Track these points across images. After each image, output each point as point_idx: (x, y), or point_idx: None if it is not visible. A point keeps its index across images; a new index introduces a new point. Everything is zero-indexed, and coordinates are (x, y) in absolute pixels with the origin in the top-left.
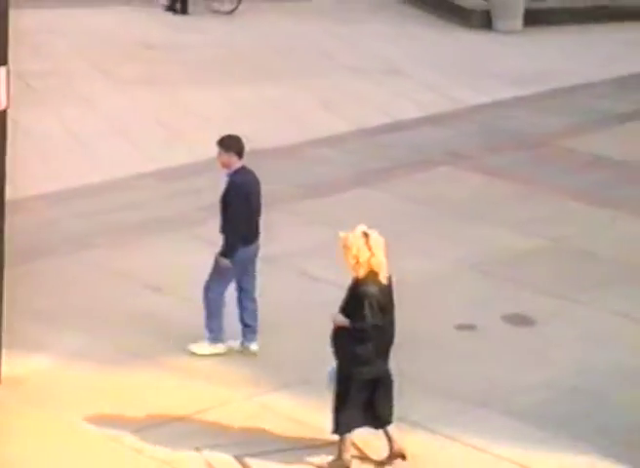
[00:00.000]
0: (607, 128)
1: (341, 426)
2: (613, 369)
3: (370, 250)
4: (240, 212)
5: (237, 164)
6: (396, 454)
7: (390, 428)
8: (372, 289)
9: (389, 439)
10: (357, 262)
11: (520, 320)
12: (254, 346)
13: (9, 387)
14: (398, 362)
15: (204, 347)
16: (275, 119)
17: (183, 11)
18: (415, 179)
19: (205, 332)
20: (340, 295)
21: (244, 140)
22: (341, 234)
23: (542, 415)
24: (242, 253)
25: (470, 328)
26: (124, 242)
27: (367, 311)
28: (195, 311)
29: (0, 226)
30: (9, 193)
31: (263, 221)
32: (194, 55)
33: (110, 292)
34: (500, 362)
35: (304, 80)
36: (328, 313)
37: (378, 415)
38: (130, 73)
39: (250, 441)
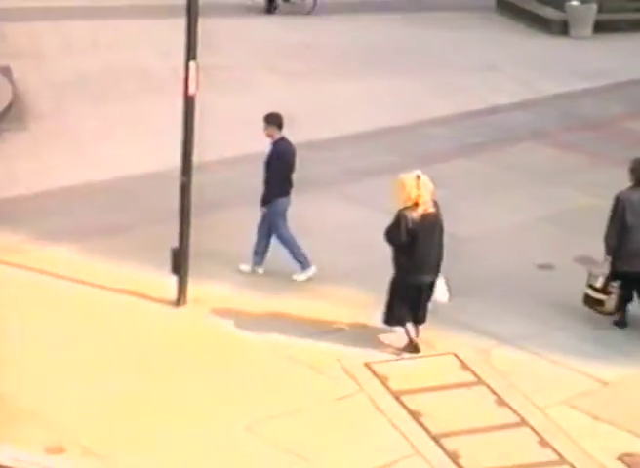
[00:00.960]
0: None
1: (393, 319)
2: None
3: (418, 189)
4: (278, 171)
5: (277, 135)
6: (414, 346)
7: (421, 326)
8: (408, 214)
9: (416, 334)
10: (408, 197)
11: (587, 260)
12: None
13: (194, 306)
14: (492, 290)
15: (301, 275)
16: (397, 104)
17: (269, 11)
18: (505, 152)
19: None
20: None
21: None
22: (401, 175)
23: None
24: (280, 203)
25: (549, 267)
26: None
27: (400, 229)
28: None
29: (187, 183)
30: (195, 157)
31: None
32: (327, 51)
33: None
34: (572, 295)
35: (420, 74)
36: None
37: (417, 315)
38: (287, 67)
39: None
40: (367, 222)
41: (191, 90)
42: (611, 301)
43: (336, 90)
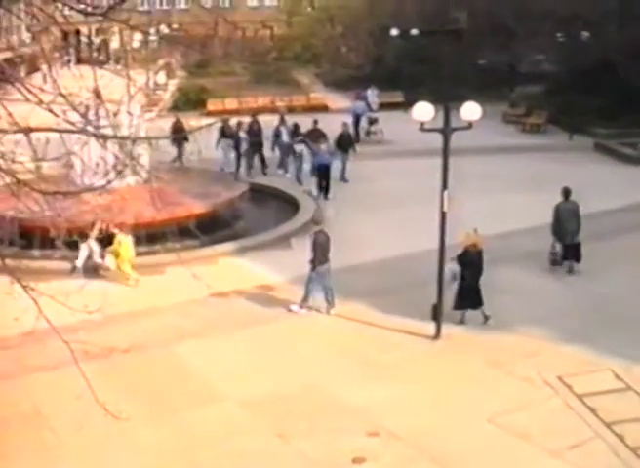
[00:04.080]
0: None
1: (461, 306)
2: None
3: (475, 239)
4: None
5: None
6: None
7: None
8: (467, 254)
9: (483, 314)
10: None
11: None
12: None
13: (446, 340)
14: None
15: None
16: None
17: None
18: None
19: None
20: None
21: None
22: (468, 232)
23: None
24: None
25: None
26: None
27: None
28: None
29: (441, 255)
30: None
31: None
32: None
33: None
34: None
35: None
36: None
37: (479, 301)
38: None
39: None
40: None
41: (444, 208)
42: None
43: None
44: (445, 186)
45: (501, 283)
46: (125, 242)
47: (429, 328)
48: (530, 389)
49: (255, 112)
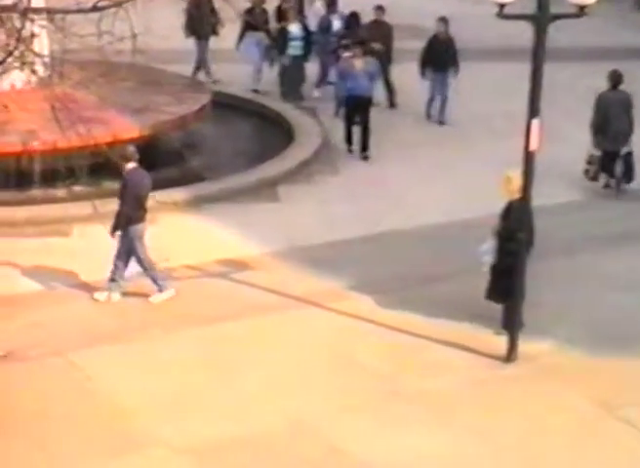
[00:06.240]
0: None
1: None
2: None
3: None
4: None
5: None
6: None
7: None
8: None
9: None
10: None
11: None
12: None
13: (523, 362)
14: None
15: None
16: None
17: None
18: None
19: None
20: None
21: None
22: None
23: None
24: None
25: None
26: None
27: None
28: None
29: (522, 239)
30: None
31: None
32: None
33: (590, 291)
34: None
35: None
36: None
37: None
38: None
39: None
40: None
41: (532, 146)
42: None
43: None
44: (535, 112)
45: (615, 273)
46: None
47: (498, 342)
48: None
49: None
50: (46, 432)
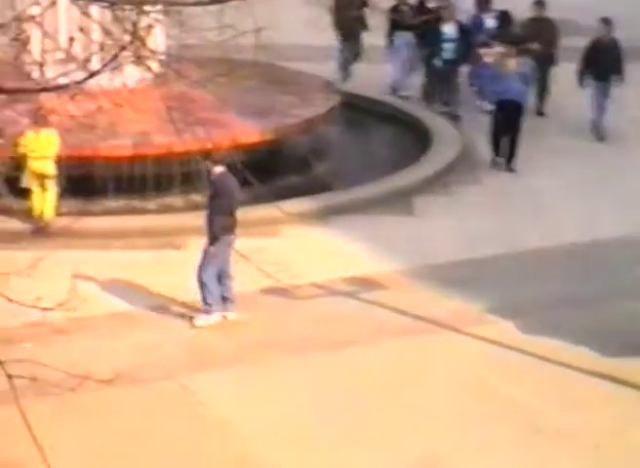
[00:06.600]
0: None
1: None
2: None
3: None
4: None
5: None
6: None
7: None
8: None
9: None
10: None
11: None
12: (231, 316)
13: None
14: None
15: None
16: None
17: None
18: None
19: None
20: None
21: None
22: None
23: None
24: None
25: None
26: None
27: None
28: None
29: None
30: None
31: None
32: None
33: None
34: None
35: None
36: None
37: None
38: None
39: None
40: None
41: None
42: None
43: None
44: None
45: None
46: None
47: None
48: None
49: None
50: (160, 456)
